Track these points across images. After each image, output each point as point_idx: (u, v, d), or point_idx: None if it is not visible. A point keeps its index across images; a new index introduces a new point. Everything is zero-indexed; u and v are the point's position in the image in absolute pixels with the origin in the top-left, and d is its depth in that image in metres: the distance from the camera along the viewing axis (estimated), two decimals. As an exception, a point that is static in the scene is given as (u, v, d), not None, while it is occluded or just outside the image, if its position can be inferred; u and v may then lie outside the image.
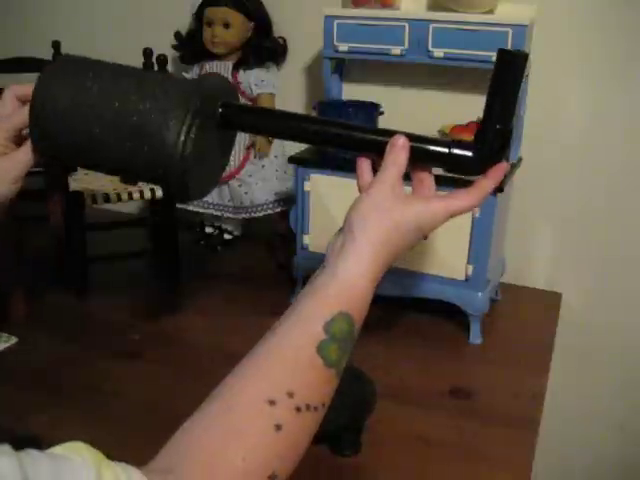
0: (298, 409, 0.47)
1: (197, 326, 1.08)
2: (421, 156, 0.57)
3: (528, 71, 1.10)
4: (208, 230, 1.41)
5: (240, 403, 0.46)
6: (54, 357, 1.00)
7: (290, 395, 0.47)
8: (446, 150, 0.57)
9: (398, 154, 0.55)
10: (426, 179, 0.58)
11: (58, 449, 0.38)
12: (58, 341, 1.04)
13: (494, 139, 0.57)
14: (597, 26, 1.12)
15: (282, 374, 0.48)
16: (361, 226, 0.54)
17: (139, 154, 0.55)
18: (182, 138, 0.53)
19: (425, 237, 0.57)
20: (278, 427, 0.45)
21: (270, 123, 0.61)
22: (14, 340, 1.03)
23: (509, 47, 1.02)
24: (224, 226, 1.40)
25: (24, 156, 0.62)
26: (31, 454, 0.35)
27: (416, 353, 1.03)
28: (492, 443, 0.83)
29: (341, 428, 0.78)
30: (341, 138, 0.59)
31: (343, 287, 0.52)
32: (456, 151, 0.57)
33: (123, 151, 0.56)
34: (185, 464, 0.43)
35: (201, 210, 1.35)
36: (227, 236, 1.41)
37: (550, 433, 1.07)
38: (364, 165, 0.59)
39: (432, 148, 0.57)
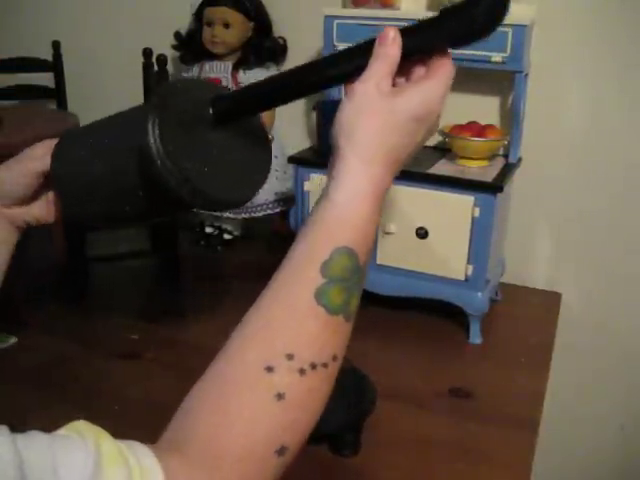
0: (301, 371, 0.42)
1: (197, 326, 1.08)
2: (416, 48, 0.49)
3: (528, 70, 1.10)
4: (208, 230, 1.41)
5: (236, 374, 0.43)
6: (54, 357, 1.00)
7: (290, 357, 0.42)
8: (443, 33, 0.48)
9: (388, 47, 0.47)
10: (415, 68, 0.50)
11: (60, 431, 0.38)
12: (58, 341, 1.04)
13: None
14: (597, 26, 1.12)
15: (278, 335, 0.43)
16: (348, 139, 0.46)
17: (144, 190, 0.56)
18: (152, 139, 0.50)
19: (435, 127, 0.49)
20: (280, 396, 0.41)
21: (260, 97, 0.56)
22: (14, 340, 1.03)
23: (509, 48, 1.02)
24: (224, 226, 1.40)
25: (36, 207, 0.67)
26: (29, 434, 0.35)
27: (416, 353, 1.03)
28: (492, 443, 0.83)
29: (341, 428, 0.78)
30: (335, 73, 0.50)
31: (339, 217, 0.45)
32: (450, 23, 0.48)
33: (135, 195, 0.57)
34: (189, 444, 0.41)
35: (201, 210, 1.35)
36: (227, 236, 1.41)
37: (550, 433, 1.07)
38: None
39: (426, 33, 0.48)
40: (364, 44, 0.49)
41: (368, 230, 0.46)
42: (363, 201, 0.46)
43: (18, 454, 0.33)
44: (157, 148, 0.50)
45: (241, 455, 0.40)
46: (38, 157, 0.64)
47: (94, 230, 1.18)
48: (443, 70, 0.47)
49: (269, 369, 0.42)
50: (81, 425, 0.38)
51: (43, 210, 0.69)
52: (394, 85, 0.48)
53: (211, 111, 0.56)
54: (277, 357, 0.42)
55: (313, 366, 0.43)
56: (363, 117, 0.46)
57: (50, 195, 0.68)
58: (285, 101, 0.55)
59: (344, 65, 0.50)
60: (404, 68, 0.49)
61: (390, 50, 0.47)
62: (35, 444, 0.35)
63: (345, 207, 0.46)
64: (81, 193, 0.63)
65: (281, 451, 0.41)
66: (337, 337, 0.45)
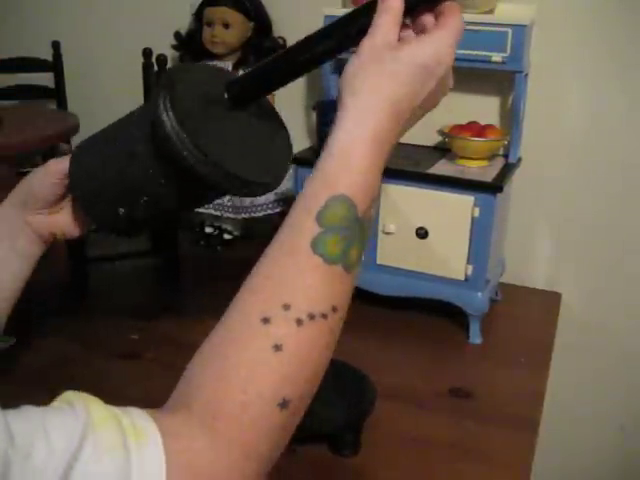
0: (299, 321, 0.41)
1: (197, 326, 1.08)
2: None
3: (528, 70, 1.10)
4: (208, 230, 1.41)
5: (232, 329, 0.43)
6: (54, 357, 1.00)
7: (286, 307, 0.41)
8: None
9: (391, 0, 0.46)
10: (423, 22, 0.49)
11: (53, 404, 0.39)
12: (58, 341, 1.03)
13: None
14: (597, 26, 1.12)
15: (274, 286, 0.43)
16: (350, 90, 0.46)
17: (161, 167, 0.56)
18: (163, 113, 0.50)
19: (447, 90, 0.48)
20: (277, 347, 0.40)
21: (275, 71, 0.55)
22: (14, 340, 1.02)
23: (509, 48, 1.02)
24: (224, 226, 1.40)
25: (62, 217, 0.69)
26: (20, 408, 0.36)
27: (416, 353, 1.03)
28: (492, 443, 0.83)
29: (341, 428, 0.78)
30: (339, 39, 0.50)
31: (336, 166, 0.44)
32: None
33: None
34: (191, 406, 0.41)
35: (201, 210, 1.34)
36: (227, 236, 1.41)
37: (550, 433, 1.07)
38: None
39: None
40: (364, 5, 0.48)
41: (369, 180, 0.45)
42: (363, 150, 0.45)
43: (8, 425, 0.33)
44: (170, 122, 0.50)
45: (241, 411, 0.40)
46: (63, 162, 0.67)
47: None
48: (452, 20, 0.47)
49: (265, 320, 0.41)
50: (70, 395, 0.39)
51: (69, 223, 0.70)
52: (401, 39, 0.47)
53: (226, 96, 0.55)
54: (273, 308, 0.42)
55: (311, 316, 0.42)
56: (369, 70, 0.46)
57: (76, 208, 0.68)
58: (294, 76, 0.54)
59: (348, 28, 0.49)
60: (412, 23, 0.48)
61: (393, 2, 0.46)
62: (25, 414, 0.35)
63: (343, 156, 0.45)
64: (94, 193, 0.63)
65: (284, 404, 0.40)
66: (336, 287, 0.44)
